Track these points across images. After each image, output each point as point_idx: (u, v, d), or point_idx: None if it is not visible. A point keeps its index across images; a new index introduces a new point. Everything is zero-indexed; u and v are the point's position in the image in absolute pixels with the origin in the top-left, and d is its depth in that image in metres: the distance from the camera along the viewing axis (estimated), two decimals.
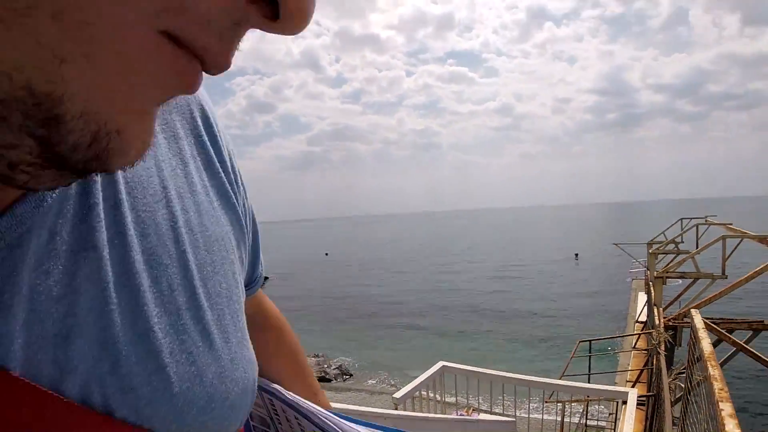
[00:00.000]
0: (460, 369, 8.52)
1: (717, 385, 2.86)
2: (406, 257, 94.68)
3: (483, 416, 7.28)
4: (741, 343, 12.59)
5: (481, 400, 9.60)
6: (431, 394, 8.21)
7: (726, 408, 2.58)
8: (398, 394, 7.23)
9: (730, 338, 12.23)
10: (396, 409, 6.98)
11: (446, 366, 8.45)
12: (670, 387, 9.53)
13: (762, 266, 12.22)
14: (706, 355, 3.44)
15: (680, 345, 15.44)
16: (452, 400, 8.92)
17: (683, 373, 12.12)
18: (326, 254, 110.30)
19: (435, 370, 8.26)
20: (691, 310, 4.54)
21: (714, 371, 3.08)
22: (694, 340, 4.09)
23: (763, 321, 13.31)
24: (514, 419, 7.52)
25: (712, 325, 11.77)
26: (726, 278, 19.17)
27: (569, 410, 9.24)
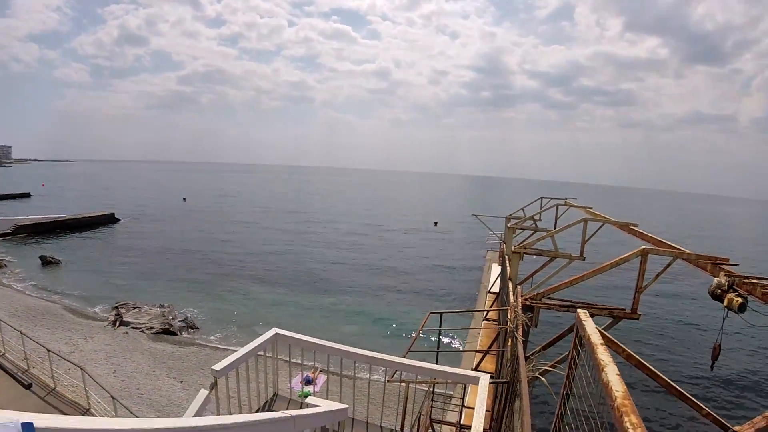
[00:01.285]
0: (295, 339, 7.34)
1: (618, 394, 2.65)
2: (267, 211, 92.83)
3: (314, 401, 5.95)
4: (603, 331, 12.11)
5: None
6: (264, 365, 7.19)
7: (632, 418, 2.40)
8: (219, 366, 5.99)
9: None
10: (216, 382, 5.91)
11: (280, 334, 7.32)
12: (528, 376, 8.77)
13: (629, 254, 11.69)
14: (600, 357, 3.13)
15: (536, 325, 15.06)
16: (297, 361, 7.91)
17: (532, 357, 11.52)
18: (184, 200, 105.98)
19: (267, 338, 7.13)
20: (580, 312, 4.01)
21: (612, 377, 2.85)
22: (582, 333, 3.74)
23: (624, 309, 13.01)
24: (346, 406, 6.41)
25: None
26: (584, 260, 19.33)
27: (413, 390, 8.48)
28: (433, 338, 23.38)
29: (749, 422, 4.51)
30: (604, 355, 3.13)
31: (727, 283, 10.44)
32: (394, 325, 29.49)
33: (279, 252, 51.12)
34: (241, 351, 6.53)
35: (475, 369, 14.75)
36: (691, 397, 4.27)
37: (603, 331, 3.79)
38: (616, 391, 2.63)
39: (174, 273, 40.45)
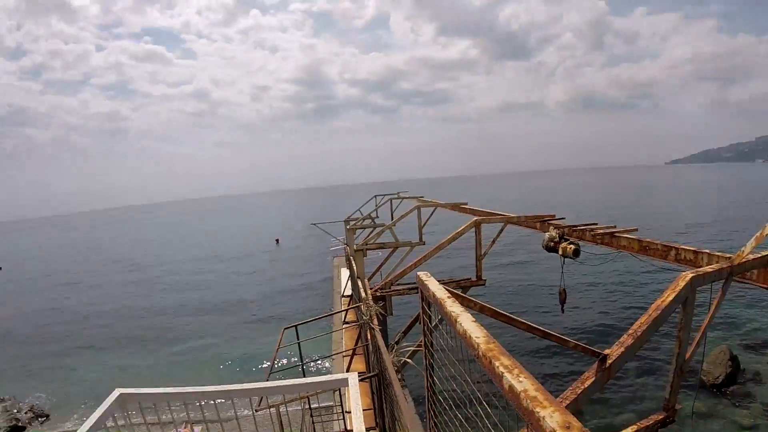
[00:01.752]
0: (144, 394, 6.14)
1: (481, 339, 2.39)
2: (89, 265, 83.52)
3: None
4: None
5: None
6: None
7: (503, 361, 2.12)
8: None
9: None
10: None
11: (125, 394, 6.01)
12: (394, 363, 8.92)
13: (463, 227, 12.35)
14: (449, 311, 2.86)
15: (391, 313, 15.37)
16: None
17: (394, 344, 11.79)
18: None
19: (109, 403, 5.76)
20: (420, 273, 3.85)
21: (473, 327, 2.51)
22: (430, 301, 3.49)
23: (470, 278, 13.72)
24: None
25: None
26: (424, 244, 20.14)
27: (286, 410, 8.15)
28: (294, 358, 22.79)
29: (617, 343, 4.79)
30: (454, 306, 2.96)
31: (558, 235, 11.40)
32: (258, 357, 28.30)
33: (115, 309, 45.96)
34: (82, 429, 5.16)
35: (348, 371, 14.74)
36: (555, 334, 4.47)
37: (449, 288, 3.53)
38: (476, 338, 2.43)
39: (3, 359, 34.85)
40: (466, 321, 2.66)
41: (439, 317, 3.40)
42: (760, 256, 7.18)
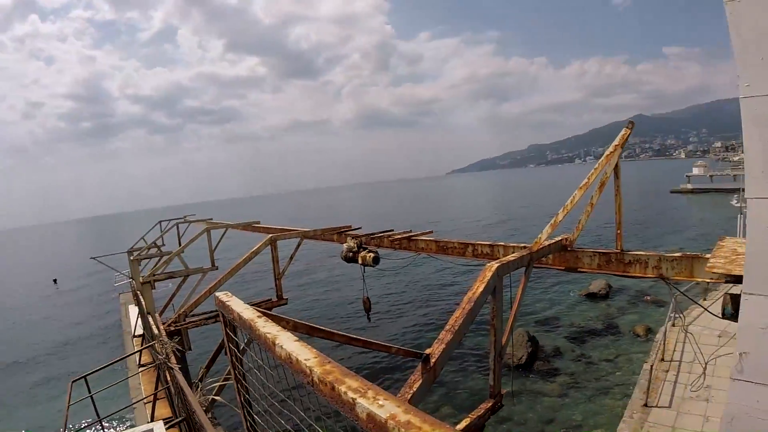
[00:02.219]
0: None
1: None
2: None
3: None
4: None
5: None
6: None
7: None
8: None
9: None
10: None
11: None
12: (201, 402, 7.79)
13: (258, 245, 11.46)
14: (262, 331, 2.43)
15: (190, 348, 13.93)
16: None
17: (198, 382, 10.46)
18: None
19: None
20: (218, 294, 3.29)
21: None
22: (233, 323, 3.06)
23: (270, 299, 12.89)
24: None
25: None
26: (217, 269, 18.77)
27: None
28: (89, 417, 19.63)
29: (437, 340, 4.62)
30: (268, 326, 2.46)
31: (356, 245, 11.16)
32: (48, 427, 24.04)
33: None
34: None
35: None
36: (377, 342, 3.95)
37: (256, 307, 3.01)
38: (306, 360, 1.92)
39: None
40: (288, 342, 2.19)
41: (247, 340, 3.05)
42: (554, 241, 7.48)
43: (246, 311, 2.84)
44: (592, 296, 30.40)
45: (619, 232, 7.36)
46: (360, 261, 10.83)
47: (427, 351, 4.50)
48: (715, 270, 5.45)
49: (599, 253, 7.53)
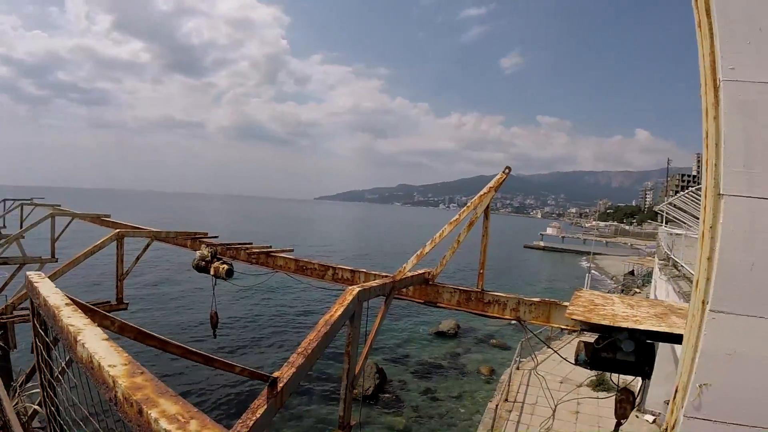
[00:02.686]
0: None
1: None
2: None
3: None
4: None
5: None
6: None
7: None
8: None
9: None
10: None
11: None
12: (20, 412, 6.77)
13: (103, 239, 10.49)
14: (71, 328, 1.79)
15: (15, 346, 12.48)
16: None
17: (17, 386, 9.25)
18: None
19: None
20: (30, 274, 2.77)
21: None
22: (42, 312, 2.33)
23: (109, 302, 11.83)
24: None
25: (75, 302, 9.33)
26: (56, 261, 17.10)
27: None
28: None
29: (287, 363, 4.15)
30: (74, 318, 1.94)
31: (210, 254, 10.47)
32: None
33: None
34: None
35: None
36: (219, 359, 3.49)
37: (71, 296, 2.46)
38: (110, 366, 1.45)
39: None
40: (94, 340, 1.67)
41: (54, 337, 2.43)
42: (417, 273, 7.41)
43: (53, 296, 2.29)
44: (441, 334, 31.31)
45: (481, 271, 7.45)
46: (212, 272, 10.18)
47: (276, 374, 4.14)
48: (574, 317, 5.58)
49: (460, 290, 7.58)
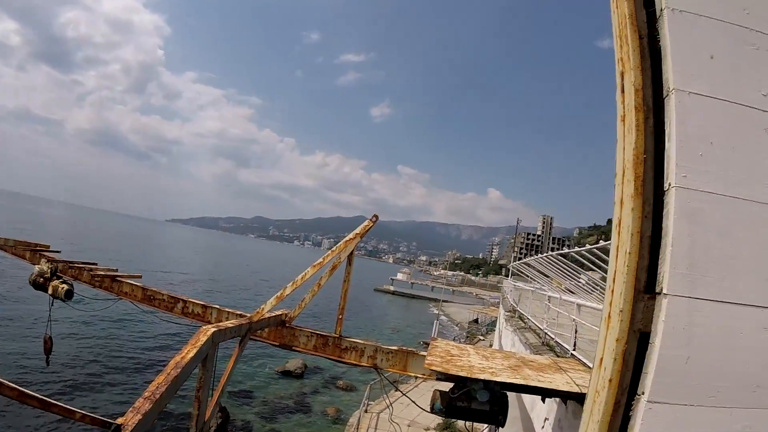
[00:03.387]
0: None
1: None
2: None
3: None
4: None
5: None
6: None
7: None
8: None
9: None
10: None
11: None
12: None
13: None
14: None
15: None
16: None
17: None
18: None
19: None
20: None
21: None
22: None
23: None
24: None
25: None
26: None
27: None
28: None
29: (132, 408, 3.83)
30: None
31: (50, 270, 9.36)
32: None
33: None
34: None
35: None
36: (58, 404, 3.02)
37: None
38: None
39: None
40: None
41: None
42: (274, 314, 7.13)
43: None
44: (287, 374, 30.50)
45: (340, 317, 7.35)
46: (50, 291, 9.08)
47: (119, 420, 3.77)
48: (433, 367, 5.60)
49: (317, 334, 7.41)
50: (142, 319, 33.90)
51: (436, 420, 19.11)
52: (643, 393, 2.33)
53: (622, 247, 2.37)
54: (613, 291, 2.39)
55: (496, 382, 6.11)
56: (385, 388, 19.94)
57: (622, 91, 2.51)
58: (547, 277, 13.77)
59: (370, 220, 7.44)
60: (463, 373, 5.86)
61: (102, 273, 9.42)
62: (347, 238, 7.20)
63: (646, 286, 2.37)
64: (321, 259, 6.98)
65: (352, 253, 7.23)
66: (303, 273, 6.91)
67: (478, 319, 63.76)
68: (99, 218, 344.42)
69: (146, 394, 3.96)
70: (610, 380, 2.31)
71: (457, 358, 6.49)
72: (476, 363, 6.36)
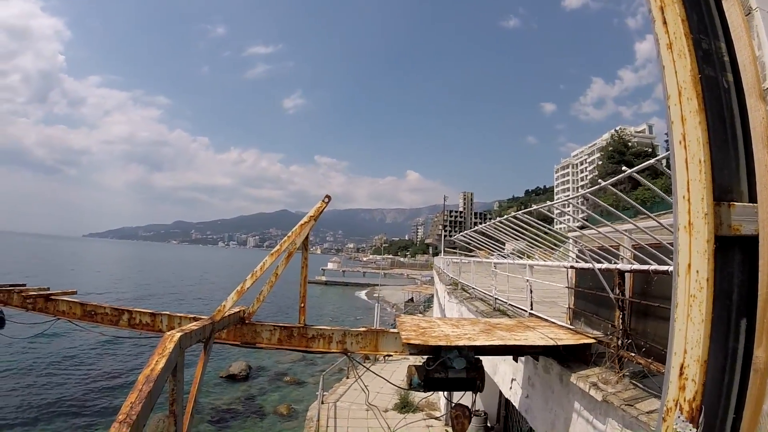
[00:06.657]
0: None
1: None
2: None
3: None
4: None
5: None
6: None
7: None
8: None
9: None
10: None
11: None
12: None
13: None
14: None
15: None
16: None
17: None
18: None
19: None
20: None
21: None
22: None
23: None
24: None
25: None
26: None
27: None
28: None
29: None
30: None
31: None
32: None
33: None
34: None
35: None
36: None
37: None
38: None
39: None
40: None
41: None
42: (232, 312, 6.80)
43: None
44: (232, 377, 29.60)
45: (302, 305, 7.10)
46: None
47: None
48: (411, 341, 5.52)
49: (280, 326, 7.09)
50: (91, 338, 31.95)
51: (393, 400, 19.19)
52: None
53: (695, 158, 2.39)
54: (689, 200, 2.39)
55: (470, 347, 6.13)
56: (330, 376, 19.75)
57: (664, 22, 2.55)
58: (501, 243, 13.96)
59: (323, 201, 7.19)
60: (442, 343, 5.82)
61: (34, 293, 8.64)
62: (301, 222, 6.93)
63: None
64: (278, 246, 6.71)
65: (306, 238, 7.01)
66: (262, 263, 6.57)
67: (413, 298, 64.53)
68: (8, 241, 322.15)
69: (120, 417, 3.42)
70: (707, 279, 2.30)
71: (430, 329, 6.45)
72: (450, 332, 6.34)
